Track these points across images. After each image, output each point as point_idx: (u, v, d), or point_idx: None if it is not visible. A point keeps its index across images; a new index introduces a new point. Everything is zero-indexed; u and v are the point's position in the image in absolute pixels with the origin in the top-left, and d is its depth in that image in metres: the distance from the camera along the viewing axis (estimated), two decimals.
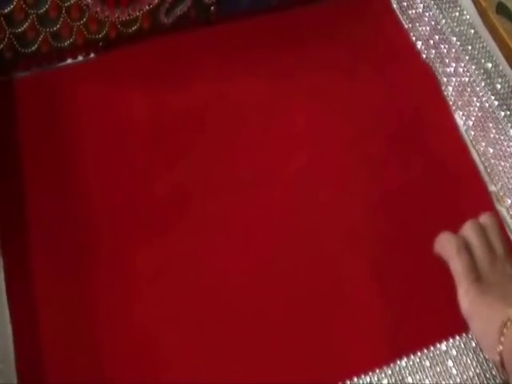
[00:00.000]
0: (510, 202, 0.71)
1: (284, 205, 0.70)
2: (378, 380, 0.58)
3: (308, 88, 0.78)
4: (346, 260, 0.67)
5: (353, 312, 0.64)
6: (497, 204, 0.72)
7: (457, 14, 0.81)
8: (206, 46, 0.79)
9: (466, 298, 0.58)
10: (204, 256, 0.66)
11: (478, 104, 0.75)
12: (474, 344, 0.60)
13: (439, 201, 0.72)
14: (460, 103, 0.78)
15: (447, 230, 0.62)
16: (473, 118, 0.76)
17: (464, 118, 0.77)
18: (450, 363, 0.59)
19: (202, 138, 0.73)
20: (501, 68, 0.76)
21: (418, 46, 0.83)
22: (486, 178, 0.74)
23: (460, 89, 0.78)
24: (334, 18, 0.84)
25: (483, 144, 0.75)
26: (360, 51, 0.82)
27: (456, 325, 0.59)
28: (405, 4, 0.85)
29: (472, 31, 0.79)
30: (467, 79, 0.77)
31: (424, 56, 0.82)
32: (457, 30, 0.79)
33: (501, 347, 0.54)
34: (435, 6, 0.81)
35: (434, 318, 0.64)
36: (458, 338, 0.60)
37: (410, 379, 0.58)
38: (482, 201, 0.72)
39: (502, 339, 0.54)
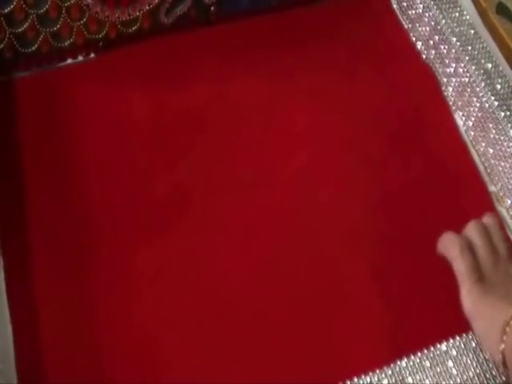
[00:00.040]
0: (509, 202, 0.71)
1: (284, 205, 0.70)
2: (378, 380, 0.58)
3: (308, 88, 0.78)
4: (346, 260, 0.67)
5: (353, 312, 0.64)
6: (497, 204, 0.72)
7: (457, 14, 0.81)
8: (206, 46, 0.79)
9: (469, 298, 0.58)
10: (204, 256, 0.66)
11: (478, 104, 0.75)
12: (474, 344, 0.60)
13: (439, 201, 0.72)
14: (460, 103, 0.78)
15: (447, 230, 0.62)
16: (473, 119, 0.76)
17: (464, 118, 0.77)
18: (450, 363, 0.59)
19: (202, 138, 0.73)
20: (501, 68, 0.76)
21: (418, 47, 0.83)
22: (486, 179, 0.74)
23: (460, 89, 0.78)
24: (334, 18, 0.84)
25: (483, 144, 0.75)
26: (360, 51, 0.82)
27: (456, 325, 0.60)
28: (405, 4, 0.85)
29: (472, 31, 0.79)
30: (467, 79, 0.77)
31: (424, 56, 0.82)
32: (457, 30, 0.79)
33: (503, 346, 0.54)
34: (435, 7, 0.81)
35: (434, 318, 0.64)
36: (458, 338, 0.60)
37: (410, 379, 0.58)
38: (482, 201, 0.72)
39: (505, 338, 0.54)
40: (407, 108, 0.78)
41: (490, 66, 0.76)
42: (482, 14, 0.81)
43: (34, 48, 0.72)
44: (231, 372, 0.60)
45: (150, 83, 0.76)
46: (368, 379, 0.58)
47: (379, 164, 0.74)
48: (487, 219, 0.63)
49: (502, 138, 0.73)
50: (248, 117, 0.75)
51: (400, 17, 0.85)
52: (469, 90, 0.77)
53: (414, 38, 0.83)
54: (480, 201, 0.73)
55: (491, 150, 0.74)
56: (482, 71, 0.76)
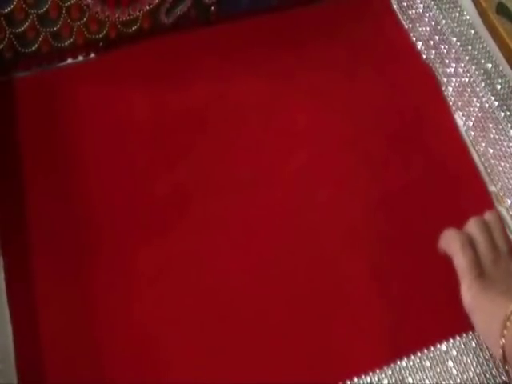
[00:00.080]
0: (509, 202, 0.71)
1: (284, 205, 0.70)
2: (378, 380, 0.58)
3: (308, 88, 0.78)
4: (347, 260, 0.67)
5: (353, 312, 0.64)
6: (497, 204, 0.72)
7: (457, 14, 0.81)
8: (206, 46, 0.79)
9: (469, 294, 0.58)
10: (204, 256, 0.66)
11: (478, 104, 0.75)
12: (474, 344, 0.60)
13: (439, 201, 0.72)
14: (460, 103, 0.78)
15: (451, 228, 0.62)
16: (473, 119, 0.76)
17: (464, 118, 0.77)
18: (450, 363, 0.59)
19: (202, 138, 0.73)
20: (501, 68, 0.76)
21: (418, 47, 0.83)
22: (486, 179, 0.74)
23: (460, 89, 0.78)
24: (334, 18, 0.84)
25: (483, 144, 0.75)
26: (360, 51, 0.82)
27: (456, 325, 0.60)
28: (405, 4, 0.85)
29: (472, 32, 0.79)
30: (467, 79, 0.77)
31: (424, 56, 0.82)
32: (457, 30, 0.79)
33: (503, 341, 0.54)
34: (435, 7, 0.81)
35: (434, 318, 0.64)
36: (458, 338, 0.60)
37: (410, 379, 0.58)
38: (482, 201, 0.72)
39: (505, 332, 0.54)
40: (407, 108, 0.78)
41: (490, 66, 0.76)
42: (482, 14, 0.81)
43: (34, 48, 0.72)
44: (231, 372, 0.60)
45: (150, 83, 0.76)
46: (368, 379, 0.58)
47: (379, 164, 0.74)
48: (488, 216, 0.63)
49: (502, 138, 0.73)
50: (248, 117, 0.75)
51: (400, 17, 0.85)
52: (469, 90, 0.77)
53: (414, 38, 0.83)
54: (480, 201, 0.73)
55: (491, 150, 0.74)
56: (482, 71, 0.76)
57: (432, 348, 0.60)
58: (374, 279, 0.66)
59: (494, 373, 0.59)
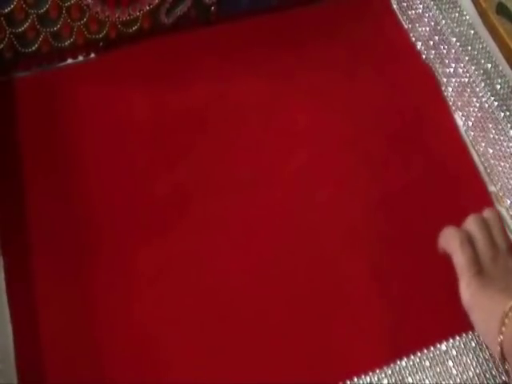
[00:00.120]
0: (509, 202, 0.71)
1: (284, 204, 0.70)
2: (378, 380, 0.58)
3: (308, 88, 0.78)
4: (347, 260, 0.67)
5: (353, 312, 0.64)
6: (496, 204, 0.72)
7: (457, 14, 0.81)
8: (206, 46, 0.79)
9: (468, 291, 0.58)
10: (204, 256, 0.66)
11: (478, 104, 0.75)
12: (474, 344, 0.60)
13: (439, 201, 0.72)
14: (460, 104, 0.78)
15: (450, 226, 0.62)
16: (472, 119, 0.76)
17: (464, 118, 0.77)
18: (450, 363, 0.59)
19: (202, 138, 0.73)
20: (500, 68, 0.76)
21: (418, 47, 0.83)
22: (486, 179, 0.74)
23: (460, 89, 0.78)
24: (334, 18, 0.84)
25: (483, 144, 0.75)
26: (360, 51, 0.82)
27: (456, 325, 0.60)
28: (405, 4, 0.85)
29: (472, 32, 0.79)
30: (467, 80, 0.77)
31: (424, 56, 0.82)
32: (457, 30, 0.79)
33: (501, 337, 0.54)
34: (435, 7, 0.81)
35: (434, 318, 0.64)
36: (458, 338, 0.60)
37: (410, 379, 0.58)
38: (482, 201, 0.72)
39: (503, 329, 0.54)
40: (407, 108, 0.78)
41: (489, 66, 0.76)
42: (482, 14, 0.81)
43: (34, 48, 0.72)
44: (231, 372, 0.60)
45: (150, 83, 0.76)
46: (368, 379, 0.58)
47: (379, 164, 0.74)
48: (487, 213, 0.63)
49: (501, 138, 0.73)
50: (248, 117, 0.75)
51: (400, 17, 0.85)
52: (468, 90, 0.77)
53: (413, 38, 0.83)
54: (480, 201, 0.73)
55: (491, 150, 0.74)
56: (481, 71, 0.76)
57: (432, 348, 0.60)
58: (374, 279, 0.66)
59: (493, 373, 0.59)
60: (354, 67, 0.81)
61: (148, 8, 0.74)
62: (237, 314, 0.63)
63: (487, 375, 0.59)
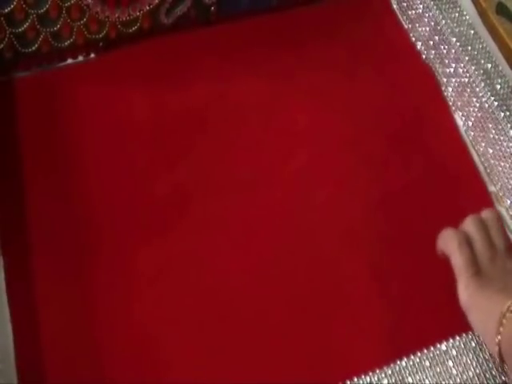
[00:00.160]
0: (509, 202, 0.71)
1: (284, 205, 0.70)
2: (378, 380, 0.58)
3: (308, 88, 0.78)
4: (346, 260, 0.67)
5: (353, 312, 0.64)
6: (496, 204, 0.72)
7: (456, 14, 0.81)
8: (206, 46, 0.79)
9: (466, 292, 0.58)
10: (204, 256, 0.66)
11: (478, 104, 0.75)
12: (474, 344, 0.60)
13: (439, 201, 0.72)
14: (460, 104, 0.78)
15: (449, 228, 0.62)
16: (472, 119, 0.76)
17: (464, 118, 0.77)
18: (450, 363, 0.59)
19: (202, 138, 0.73)
20: (500, 68, 0.76)
21: (418, 47, 0.83)
22: (486, 179, 0.74)
23: (460, 89, 0.78)
24: (334, 18, 0.84)
25: (483, 144, 0.75)
26: (360, 51, 0.82)
27: (456, 325, 0.60)
28: (405, 4, 0.85)
29: (472, 32, 0.79)
30: (467, 80, 0.77)
31: (424, 56, 0.82)
32: (456, 30, 0.79)
33: (499, 337, 0.54)
34: (435, 7, 0.81)
35: (434, 318, 0.64)
36: (458, 338, 0.60)
37: (410, 379, 0.58)
38: (482, 201, 0.72)
39: (501, 329, 0.54)
40: (407, 108, 0.78)
41: (489, 66, 0.76)
42: (482, 14, 0.81)
43: (34, 48, 0.72)
44: (231, 372, 0.60)
45: (150, 83, 0.76)
46: (368, 379, 0.58)
47: (379, 164, 0.74)
48: (485, 214, 0.63)
49: (501, 138, 0.73)
50: (248, 117, 0.75)
51: (400, 17, 0.85)
52: (468, 90, 0.77)
53: (413, 39, 0.83)
54: (480, 201, 0.73)
55: (491, 150, 0.74)
56: (481, 71, 0.76)
57: (432, 348, 0.60)
58: (374, 279, 0.66)
59: (493, 373, 0.59)
60: (354, 67, 0.81)
61: (148, 8, 0.74)
62: (237, 313, 0.63)
63: (487, 375, 0.59)
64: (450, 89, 0.79)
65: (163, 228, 0.67)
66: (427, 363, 0.59)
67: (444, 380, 0.58)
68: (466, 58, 0.77)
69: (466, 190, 0.73)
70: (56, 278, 0.63)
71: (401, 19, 0.85)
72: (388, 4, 0.86)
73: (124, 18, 0.74)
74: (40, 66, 0.75)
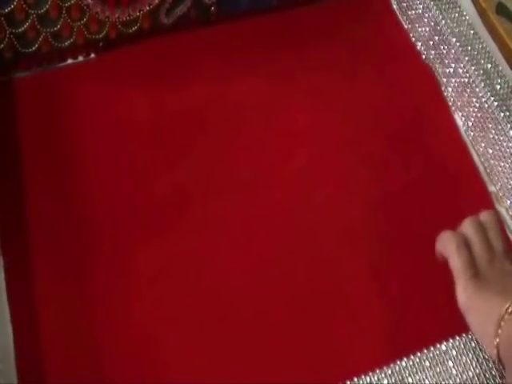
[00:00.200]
0: (509, 202, 0.71)
1: (284, 205, 0.70)
2: (378, 380, 0.58)
3: (308, 88, 0.78)
4: (346, 260, 0.67)
5: (353, 312, 0.64)
6: (496, 204, 0.72)
7: (456, 14, 0.81)
8: (206, 46, 0.79)
9: (464, 294, 0.58)
10: (204, 256, 0.66)
11: (478, 105, 0.75)
12: (473, 344, 0.60)
13: (439, 201, 0.72)
14: (459, 104, 0.78)
15: (446, 230, 0.62)
16: (472, 119, 0.76)
17: (463, 118, 0.77)
18: (450, 363, 0.59)
19: (202, 138, 0.73)
20: (500, 68, 0.76)
21: (418, 47, 0.83)
22: (486, 179, 0.74)
23: (459, 89, 0.78)
24: (334, 18, 0.84)
25: (483, 144, 0.75)
26: (360, 51, 0.82)
27: (456, 325, 0.59)
28: (404, 5, 0.85)
29: (472, 32, 0.79)
30: (467, 80, 0.77)
31: (424, 57, 0.82)
32: (456, 30, 0.79)
33: (498, 340, 0.54)
34: (435, 7, 0.81)
35: (434, 318, 0.64)
36: (457, 338, 0.60)
37: (410, 379, 0.58)
38: (482, 201, 0.72)
39: (499, 332, 0.54)
40: (407, 108, 0.78)
41: (489, 66, 0.76)
42: (482, 14, 0.81)
43: (34, 48, 0.72)
44: (231, 372, 0.60)
45: (150, 83, 0.76)
46: (368, 379, 0.58)
47: (379, 164, 0.74)
48: (484, 215, 0.63)
49: (501, 138, 0.73)
50: (248, 117, 0.75)
51: (400, 17, 0.85)
52: (468, 90, 0.77)
53: (413, 39, 0.83)
54: (480, 201, 0.73)
55: (491, 151, 0.74)
56: (481, 71, 0.76)
57: (432, 348, 0.59)
58: (374, 279, 0.66)
59: (493, 373, 0.59)
60: (354, 67, 0.81)
61: (148, 8, 0.74)
62: (237, 313, 0.63)
63: (487, 375, 0.59)
64: (450, 89, 0.79)
65: (163, 228, 0.67)
66: (427, 363, 0.59)
67: (444, 380, 0.58)
68: (466, 58, 0.77)
69: (465, 190, 0.73)
70: (56, 277, 0.63)
71: (401, 19, 0.85)
72: (388, 4, 0.86)
73: (124, 18, 0.74)
74: (40, 66, 0.75)
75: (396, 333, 0.64)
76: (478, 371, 0.59)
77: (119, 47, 0.77)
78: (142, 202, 0.68)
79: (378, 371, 0.58)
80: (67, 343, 0.60)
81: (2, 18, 0.69)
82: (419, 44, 0.83)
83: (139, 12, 0.74)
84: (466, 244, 0.60)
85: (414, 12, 0.84)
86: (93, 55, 0.77)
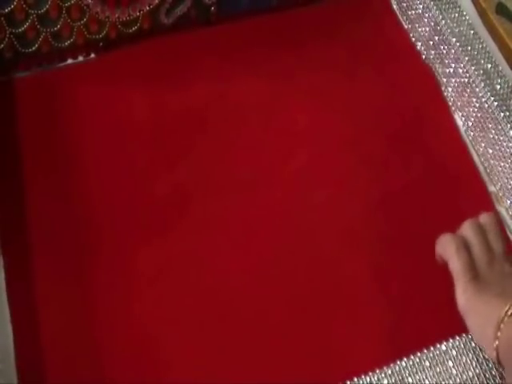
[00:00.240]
0: (509, 202, 0.71)
1: (284, 205, 0.70)
2: (378, 380, 0.58)
3: (308, 88, 0.78)
4: (346, 260, 0.67)
5: (353, 312, 0.64)
6: (496, 204, 0.72)
7: (456, 14, 0.81)
8: (206, 46, 0.79)
9: (464, 296, 0.58)
10: (204, 256, 0.66)
11: (478, 105, 0.75)
12: (473, 344, 0.60)
13: (439, 201, 0.72)
14: (459, 104, 0.78)
15: (447, 231, 0.62)
16: (472, 119, 0.76)
17: (463, 118, 0.77)
18: (450, 363, 0.59)
19: (202, 138, 0.73)
20: (500, 68, 0.76)
21: (418, 47, 0.83)
22: (486, 179, 0.74)
23: (459, 89, 0.78)
24: (334, 18, 0.84)
25: (483, 145, 0.75)
26: (360, 51, 0.82)
27: (456, 325, 0.59)
28: (404, 5, 0.85)
29: (471, 32, 0.79)
30: (467, 80, 0.77)
31: (424, 57, 0.82)
32: (456, 30, 0.79)
33: (497, 342, 0.54)
34: (435, 7, 0.81)
35: (434, 318, 0.64)
36: (457, 338, 0.60)
37: (410, 379, 0.58)
38: (482, 201, 0.72)
39: (499, 334, 0.54)
40: (407, 108, 0.78)
41: (489, 66, 0.76)
42: (482, 14, 0.81)
43: (34, 48, 0.72)
44: (231, 372, 0.60)
45: (150, 83, 0.76)
46: (368, 379, 0.58)
47: (379, 164, 0.74)
48: (483, 218, 0.63)
49: (501, 138, 0.73)
50: (248, 117, 0.75)
51: (400, 17, 0.85)
52: (468, 90, 0.77)
53: (413, 39, 0.83)
54: (480, 201, 0.73)
55: (491, 151, 0.74)
56: (481, 71, 0.76)
57: (432, 348, 0.60)
58: (374, 279, 0.66)
59: (493, 373, 0.59)
60: (354, 67, 0.81)
61: (148, 8, 0.74)
62: (237, 313, 0.63)
63: (487, 375, 0.59)
64: (450, 89, 0.79)
65: (163, 228, 0.67)
66: (427, 363, 0.59)
67: (444, 380, 0.58)
68: (466, 58, 0.77)
69: (465, 190, 0.73)
70: (56, 277, 0.63)
71: (401, 19, 0.85)
72: (388, 4, 0.86)
73: (124, 18, 0.74)
74: (40, 66, 0.75)
75: (396, 333, 0.64)
76: (477, 371, 0.59)
77: (119, 47, 0.77)
78: (142, 202, 0.68)
79: (377, 371, 0.58)
80: (67, 343, 0.60)
81: (2, 18, 0.69)
82: (419, 44, 0.83)
83: (139, 12, 0.74)
84: (465, 246, 0.60)
85: (413, 12, 0.84)
86: (93, 55, 0.77)
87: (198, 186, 0.70)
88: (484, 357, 0.59)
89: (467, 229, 0.61)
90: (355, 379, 0.58)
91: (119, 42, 0.76)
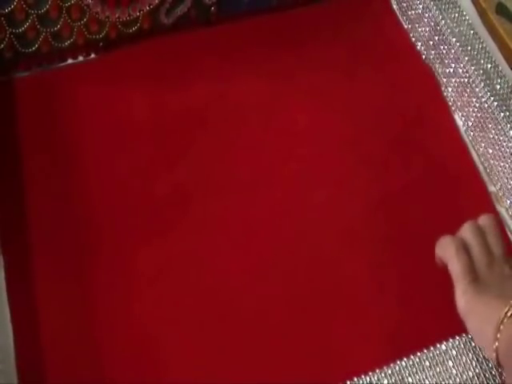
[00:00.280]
0: (509, 202, 0.71)
1: (285, 204, 0.70)
2: (378, 380, 0.58)
3: (308, 88, 0.78)
4: (347, 260, 0.67)
5: (353, 312, 0.64)
6: (496, 204, 0.72)
7: (456, 14, 0.81)
8: (206, 46, 0.80)
9: (463, 299, 0.58)
10: (204, 256, 0.66)
11: (478, 105, 0.75)
12: (473, 344, 0.60)
13: (439, 201, 0.72)
14: (459, 104, 0.78)
15: (447, 231, 0.62)
16: (472, 119, 0.76)
17: (463, 118, 0.77)
18: (450, 363, 0.59)
19: (202, 138, 0.73)
20: (500, 68, 0.76)
21: (418, 47, 0.83)
22: (486, 179, 0.74)
23: (459, 89, 0.78)
24: (334, 18, 0.84)
25: (483, 145, 0.75)
26: (360, 51, 0.82)
27: (456, 325, 0.59)
28: (404, 5, 0.85)
29: (471, 32, 0.79)
30: (467, 80, 0.77)
31: (424, 57, 0.82)
32: (456, 30, 0.79)
33: (497, 344, 0.54)
34: (435, 7, 0.81)
35: (434, 318, 0.64)
36: (457, 338, 0.60)
37: (410, 379, 0.58)
38: (482, 201, 0.72)
39: (499, 336, 0.54)
40: (407, 108, 0.78)
41: (489, 66, 0.76)
42: (482, 14, 0.81)
43: (34, 48, 0.72)
44: (231, 372, 0.60)
45: (150, 83, 0.76)
46: (368, 379, 0.58)
47: (379, 164, 0.74)
48: (483, 219, 0.63)
49: (501, 138, 0.73)
50: (248, 117, 0.75)
51: (400, 17, 0.85)
52: (468, 90, 0.77)
53: (413, 39, 0.83)
54: (479, 201, 0.73)
55: (491, 151, 0.74)
56: (481, 71, 0.76)
57: (432, 348, 0.59)
58: (374, 279, 0.66)
59: (493, 372, 0.59)
60: (354, 67, 0.81)
61: (148, 8, 0.74)
62: (237, 313, 0.63)
63: (487, 375, 0.59)
64: (450, 89, 0.79)
65: (163, 228, 0.67)
66: (427, 363, 0.59)
67: (444, 380, 0.58)
68: (466, 58, 0.77)
69: (465, 190, 0.73)
70: (56, 278, 0.63)
71: (401, 19, 0.85)
72: (388, 4, 0.86)
73: (124, 18, 0.74)
74: (40, 66, 0.75)
75: (396, 333, 0.64)
76: (477, 371, 0.59)
77: (119, 47, 0.77)
78: (142, 202, 0.68)
79: (377, 371, 0.58)
80: (67, 343, 0.60)
81: (2, 18, 0.69)
82: (419, 44, 0.83)
83: (139, 12, 0.74)
84: (465, 248, 0.60)
85: (413, 12, 0.84)
86: (93, 55, 0.77)
87: (198, 185, 0.70)
88: (484, 357, 0.59)
89: (467, 231, 0.61)
90: (355, 379, 0.58)
91: (119, 41, 0.76)
